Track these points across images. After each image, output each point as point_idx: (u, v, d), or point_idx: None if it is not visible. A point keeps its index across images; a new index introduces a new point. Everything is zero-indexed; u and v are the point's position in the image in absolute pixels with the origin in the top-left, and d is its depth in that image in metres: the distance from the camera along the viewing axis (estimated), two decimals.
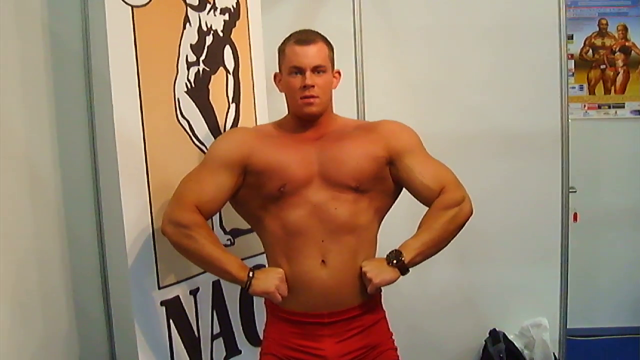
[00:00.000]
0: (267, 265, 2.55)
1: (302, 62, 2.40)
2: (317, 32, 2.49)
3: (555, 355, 3.88)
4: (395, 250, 2.35)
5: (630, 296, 4.71)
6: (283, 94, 2.53)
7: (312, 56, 2.41)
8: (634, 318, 4.62)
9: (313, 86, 2.39)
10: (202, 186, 2.42)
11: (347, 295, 2.43)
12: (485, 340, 3.97)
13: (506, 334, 3.96)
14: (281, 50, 2.48)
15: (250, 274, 2.34)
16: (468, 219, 2.48)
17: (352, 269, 2.41)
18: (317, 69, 2.41)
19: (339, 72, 2.55)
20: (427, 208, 2.48)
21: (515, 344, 3.92)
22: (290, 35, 2.47)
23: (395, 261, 2.33)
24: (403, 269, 2.34)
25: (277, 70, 2.52)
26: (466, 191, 2.52)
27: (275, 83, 2.54)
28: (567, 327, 3.84)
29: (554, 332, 3.88)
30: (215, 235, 2.45)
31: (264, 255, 2.58)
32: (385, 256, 2.37)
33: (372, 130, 2.55)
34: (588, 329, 4.62)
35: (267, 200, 2.44)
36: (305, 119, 2.48)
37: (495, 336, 3.94)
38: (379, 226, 2.56)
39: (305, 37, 2.43)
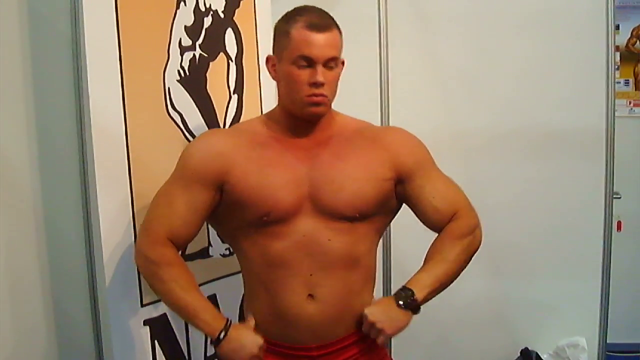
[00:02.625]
0: (243, 290, 2.23)
1: (315, 54, 1.99)
2: (329, 15, 2.09)
3: None
4: (405, 287, 2.04)
5: None
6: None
7: (327, 46, 2.00)
8: None
9: (324, 84, 2.00)
10: (174, 209, 2.05)
11: (340, 328, 2.11)
12: None
13: (539, 354, 3.75)
14: (283, 31, 2.05)
15: (222, 334, 1.98)
16: (478, 250, 2.19)
17: (346, 303, 2.09)
18: (328, 63, 2.01)
19: (343, 62, 2.14)
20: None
21: None
22: (295, 14, 2.05)
23: (407, 302, 2.01)
24: (415, 310, 2.03)
25: (271, 53, 2.13)
26: (477, 216, 2.22)
27: (268, 68, 2.14)
28: (607, 342, 3.57)
29: (592, 353, 3.64)
30: (189, 275, 2.08)
31: None
32: (392, 295, 2.06)
33: (377, 140, 2.18)
34: (629, 344, 4.33)
35: (245, 224, 2.07)
36: (306, 119, 2.10)
37: (527, 356, 3.73)
38: (377, 246, 2.23)
39: (319, 21, 2.01)
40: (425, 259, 2.13)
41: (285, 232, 2.03)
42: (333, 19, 2.07)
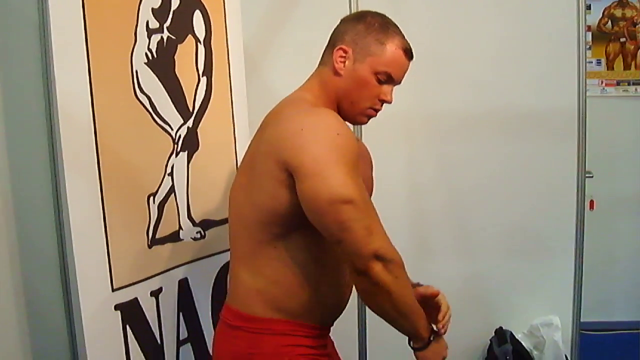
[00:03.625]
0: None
1: (399, 78, 2.10)
2: None
3: (567, 357, 3.63)
4: None
5: None
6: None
7: (405, 74, 2.13)
8: None
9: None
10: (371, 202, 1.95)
11: None
12: (490, 340, 3.75)
13: (514, 333, 3.73)
14: (377, 38, 2.05)
15: (431, 337, 2.03)
16: None
17: None
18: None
19: None
20: None
21: (524, 344, 3.69)
22: (391, 27, 2.08)
23: None
24: None
25: (344, 46, 2.07)
26: None
27: (335, 56, 2.08)
28: (581, 320, 3.56)
29: (566, 332, 3.62)
30: None
31: None
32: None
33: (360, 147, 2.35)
34: (603, 323, 4.42)
35: None
36: (349, 122, 2.11)
37: (501, 335, 3.70)
38: None
39: (411, 49, 2.10)
40: None
41: None
42: None
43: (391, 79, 2.06)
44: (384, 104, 2.11)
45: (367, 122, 2.15)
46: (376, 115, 2.11)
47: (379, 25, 2.07)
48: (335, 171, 1.81)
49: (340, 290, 2.12)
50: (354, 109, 2.09)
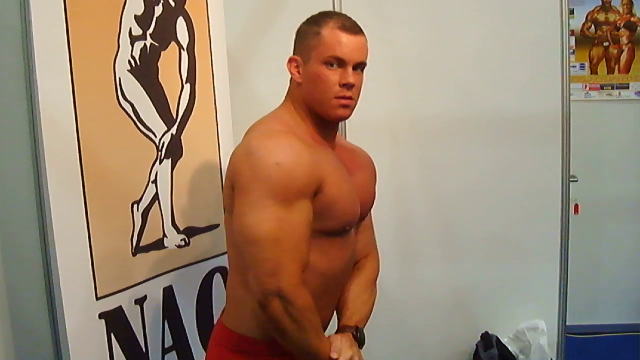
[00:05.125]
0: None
1: (348, 55, 1.96)
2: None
3: None
4: (358, 328, 2.11)
5: (635, 292, 4.52)
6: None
7: (359, 49, 1.99)
8: (638, 315, 4.43)
9: (353, 85, 1.98)
10: (299, 237, 1.88)
11: None
12: (476, 345, 3.73)
13: (499, 337, 3.71)
14: (312, 32, 2.01)
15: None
16: None
17: None
18: (358, 66, 2.00)
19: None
20: None
21: (510, 348, 3.67)
22: (325, 16, 2.03)
23: (362, 340, 2.11)
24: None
25: (292, 56, 2.07)
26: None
27: (290, 69, 2.06)
28: (566, 324, 3.58)
29: (552, 336, 3.63)
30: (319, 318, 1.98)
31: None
32: (347, 332, 2.09)
33: (360, 157, 2.29)
34: (588, 326, 4.46)
35: (317, 234, 1.95)
36: (333, 121, 2.06)
37: (487, 340, 3.68)
38: None
39: (352, 24, 2.00)
40: (353, 296, 2.18)
41: (347, 243, 2.06)
42: None
43: (342, 61, 1.96)
44: (358, 94, 2.03)
45: (348, 114, 2.01)
46: (348, 103, 1.99)
47: (313, 20, 2.03)
48: (255, 206, 1.82)
49: (329, 312, 2.13)
50: (322, 106, 2.00)
